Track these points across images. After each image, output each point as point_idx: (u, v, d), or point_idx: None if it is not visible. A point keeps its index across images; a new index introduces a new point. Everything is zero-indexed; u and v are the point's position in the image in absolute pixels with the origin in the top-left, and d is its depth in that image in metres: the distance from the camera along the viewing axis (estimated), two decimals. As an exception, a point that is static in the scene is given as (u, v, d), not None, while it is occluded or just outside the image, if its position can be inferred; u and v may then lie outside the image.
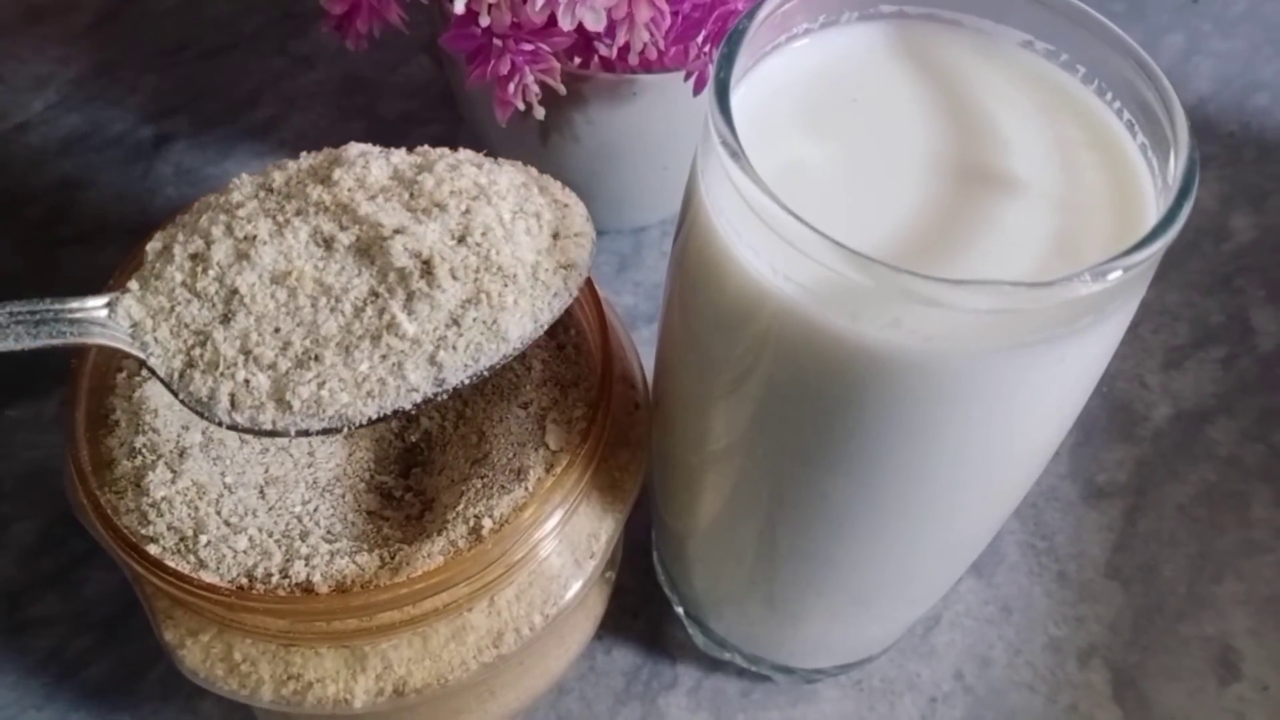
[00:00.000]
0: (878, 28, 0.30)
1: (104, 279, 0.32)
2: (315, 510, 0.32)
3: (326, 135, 0.52)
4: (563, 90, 0.38)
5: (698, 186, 0.27)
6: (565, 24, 0.35)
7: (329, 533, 0.31)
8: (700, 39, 0.39)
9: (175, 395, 0.28)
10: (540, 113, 0.38)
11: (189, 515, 0.30)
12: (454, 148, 0.32)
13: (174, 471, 0.31)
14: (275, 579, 0.29)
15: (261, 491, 0.32)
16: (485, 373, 0.29)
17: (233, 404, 0.28)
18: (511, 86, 0.37)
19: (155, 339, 0.29)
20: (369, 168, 0.30)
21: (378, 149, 0.31)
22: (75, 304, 0.28)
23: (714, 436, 0.31)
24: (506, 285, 0.29)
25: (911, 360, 0.24)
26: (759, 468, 0.30)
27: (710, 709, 0.41)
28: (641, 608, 0.43)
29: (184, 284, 0.29)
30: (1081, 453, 0.48)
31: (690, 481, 0.34)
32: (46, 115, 0.58)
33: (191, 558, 0.29)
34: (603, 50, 0.40)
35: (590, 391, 0.33)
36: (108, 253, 0.51)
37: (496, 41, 0.37)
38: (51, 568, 0.43)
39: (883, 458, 0.27)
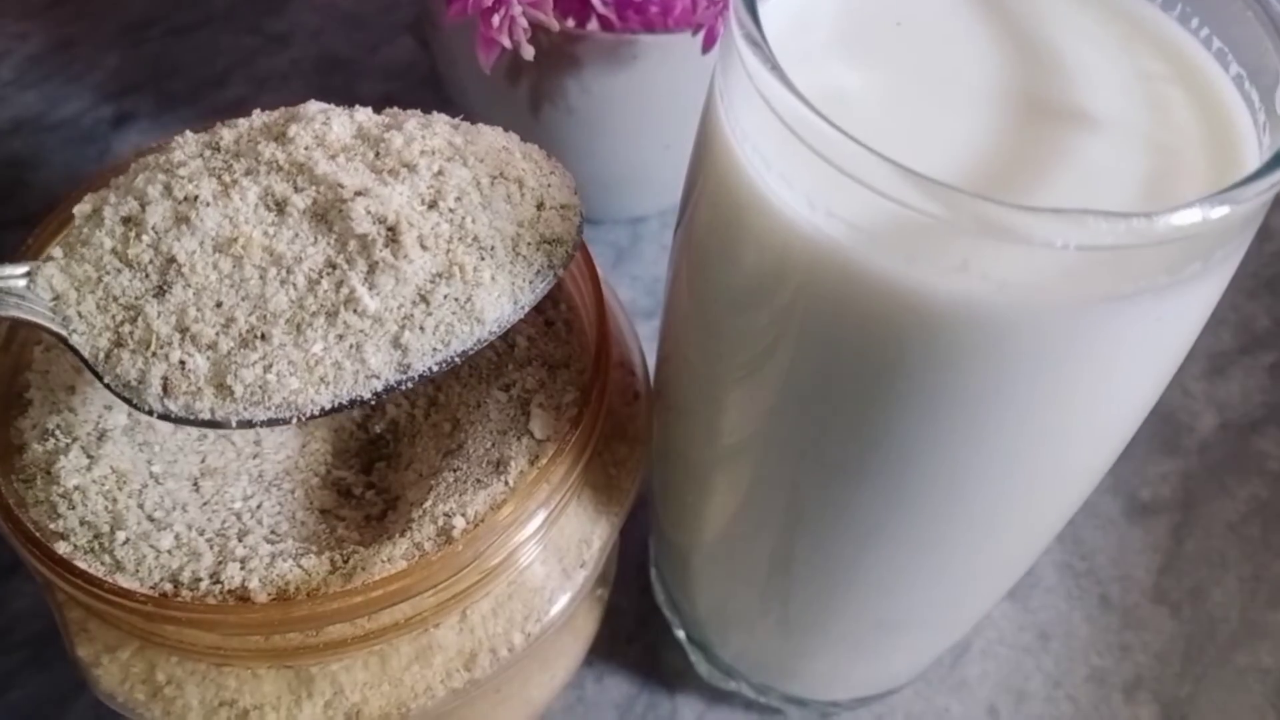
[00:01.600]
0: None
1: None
2: (258, 507, 0.29)
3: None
4: (555, 25, 0.35)
5: (716, 112, 0.24)
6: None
7: (273, 533, 0.28)
8: (711, -14, 0.36)
9: (100, 378, 0.26)
10: (529, 52, 0.35)
11: (105, 508, 0.27)
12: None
13: (90, 457, 0.28)
14: (204, 584, 0.26)
15: (196, 484, 0.29)
16: (456, 359, 0.26)
17: (165, 389, 0.25)
18: (496, 19, 0.33)
19: (79, 313, 0.26)
20: (330, 124, 0.27)
21: (341, 107, 0.29)
22: None
23: (726, 430, 0.29)
24: (483, 259, 0.27)
25: (979, 314, 0.21)
26: (777, 467, 0.28)
27: (713, 745, 0.39)
28: (637, 630, 0.41)
29: (114, 251, 0.26)
30: (1123, 465, 0.45)
31: (696, 485, 0.32)
32: (-1, 92, 0.57)
33: (106, 558, 0.27)
34: (600, 7, 0.37)
35: (583, 374, 0.31)
36: (55, 235, 0.49)
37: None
38: (-26, 580, 0.42)
39: (930, 446, 0.24)
